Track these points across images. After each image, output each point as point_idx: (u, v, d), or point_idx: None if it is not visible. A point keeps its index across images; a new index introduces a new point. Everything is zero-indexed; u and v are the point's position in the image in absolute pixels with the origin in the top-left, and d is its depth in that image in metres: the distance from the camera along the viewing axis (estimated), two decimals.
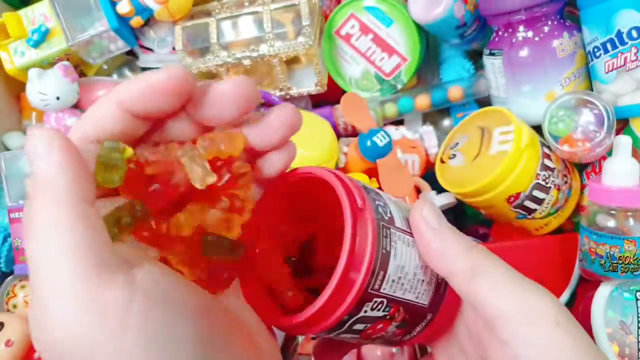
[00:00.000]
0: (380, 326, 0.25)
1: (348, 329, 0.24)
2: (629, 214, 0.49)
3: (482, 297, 0.23)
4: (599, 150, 0.53)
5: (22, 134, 0.66)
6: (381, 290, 0.23)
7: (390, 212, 0.25)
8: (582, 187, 0.58)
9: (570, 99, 0.53)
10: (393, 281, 0.24)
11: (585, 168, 0.59)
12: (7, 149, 0.65)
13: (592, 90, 0.56)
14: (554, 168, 0.54)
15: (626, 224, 0.49)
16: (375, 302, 0.24)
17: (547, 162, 0.54)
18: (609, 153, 0.52)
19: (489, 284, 0.23)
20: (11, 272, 0.60)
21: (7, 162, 0.61)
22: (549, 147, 0.55)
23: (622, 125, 0.56)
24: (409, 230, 0.26)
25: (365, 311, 0.23)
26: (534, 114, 0.56)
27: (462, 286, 0.24)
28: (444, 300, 0.27)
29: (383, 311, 0.24)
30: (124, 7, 0.61)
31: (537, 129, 0.56)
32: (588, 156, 0.54)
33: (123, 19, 0.62)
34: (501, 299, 0.23)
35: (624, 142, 0.49)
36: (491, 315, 0.23)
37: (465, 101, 0.63)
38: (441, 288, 0.27)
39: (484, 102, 0.63)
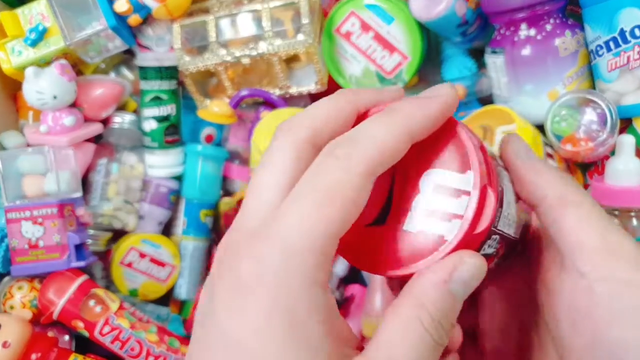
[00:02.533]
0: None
1: None
2: (632, 214, 0.48)
3: (568, 226, 0.23)
4: (602, 150, 0.52)
5: (18, 133, 0.66)
6: (498, 227, 0.23)
7: (490, 149, 0.25)
8: (585, 187, 0.58)
9: (572, 98, 0.53)
10: (504, 217, 0.24)
11: (588, 168, 0.59)
12: (4, 149, 0.64)
13: (594, 89, 0.56)
14: (557, 168, 0.54)
15: (629, 224, 0.48)
16: (493, 239, 0.23)
17: (549, 161, 0.53)
18: (612, 153, 0.52)
19: (576, 215, 0.23)
20: (8, 273, 0.60)
21: (4, 161, 0.60)
22: (551, 147, 0.55)
23: (625, 124, 0.55)
24: (504, 167, 0.26)
25: (484, 249, 0.23)
26: (536, 113, 0.56)
27: (549, 213, 0.24)
28: (527, 234, 0.28)
29: (494, 248, 0.24)
30: (121, 6, 0.60)
31: (540, 128, 0.55)
32: (591, 156, 0.53)
33: (121, 18, 0.62)
34: (586, 230, 0.23)
35: (627, 141, 0.49)
36: (573, 245, 0.23)
37: (467, 100, 0.63)
38: (527, 221, 0.28)
39: (486, 100, 0.62)
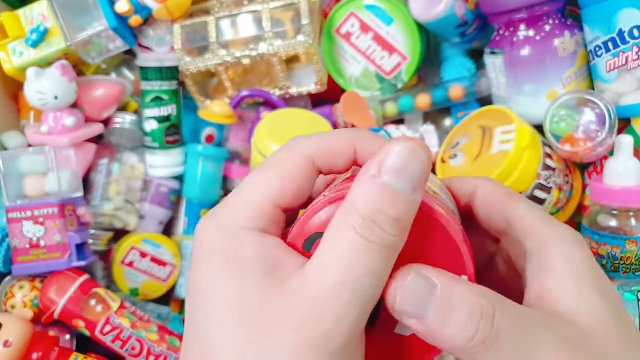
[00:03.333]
0: None
1: None
2: (631, 214, 0.48)
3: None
4: (601, 150, 0.52)
5: (20, 133, 0.66)
6: None
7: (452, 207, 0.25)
8: (584, 187, 0.58)
9: (571, 99, 0.53)
10: None
11: (586, 168, 0.59)
12: (5, 149, 0.64)
13: (593, 89, 0.56)
14: (556, 168, 0.54)
15: (628, 224, 0.48)
16: None
17: (548, 161, 0.53)
18: (611, 153, 0.52)
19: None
20: (9, 273, 0.60)
21: (5, 161, 0.60)
22: (550, 147, 0.55)
23: (624, 124, 0.55)
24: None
25: None
26: (535, 114, 0.56)
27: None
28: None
29: None
30: (122, 6, 0.60)
31: (539, 128, 0.56)
32: (590, 156, 0.53)
33: (122, 18, 0.62)
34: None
35: (626, 141, 0.49)
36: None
37: (467, 100, 0.63)
38: None
39: (485, 101, 0.63)
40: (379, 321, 0.22)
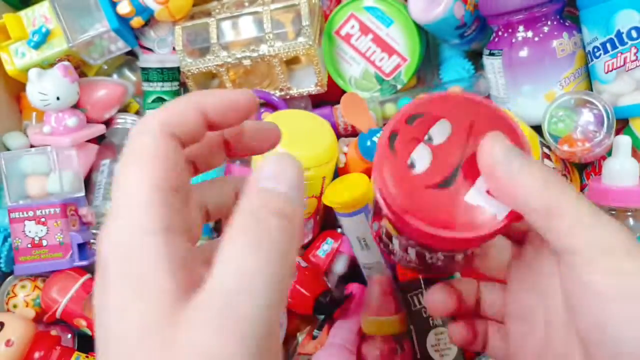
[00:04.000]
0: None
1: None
2: (629, 214, 0.49)
3: (556, 236, 0.25)
4: (599, 150, 0.53)
5: (22, 134, 0.67)
6: None
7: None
8: (582, 187, 0.58)
9: (570, 99, 0.53)
10: None
11: (585, 168, 0.59)
12: (7, 149, 0.65)
13: (591, 90, 0.56)
14: (554, 168, 0.54)
15: (626, 224, 0.49)
16: None
17: (546, 162, 0.54)
18: (609, 153, 0.52)
19: (564, 224, 0.24)
20: (11, 272, 0.60)
21: (7, 162, 0.61)
22: (548, 147, 0.55)
23: (622, 125, 0.56)
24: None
25: None
26: (533, 114, 0.56)
27: (536, 224, 0.25)
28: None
29: None
30: (124, 8, 0.61)
31: (537, 129, 0.56)
32: (588, 156, 0.54)
33: (123, 20, 0.62)
34: (575, 238, 0.24)
35: (624, 142, 0.49)
36: (563, 249, 0.25)
37: None
38: None
39: None
40: (456, 184, 0.26)
